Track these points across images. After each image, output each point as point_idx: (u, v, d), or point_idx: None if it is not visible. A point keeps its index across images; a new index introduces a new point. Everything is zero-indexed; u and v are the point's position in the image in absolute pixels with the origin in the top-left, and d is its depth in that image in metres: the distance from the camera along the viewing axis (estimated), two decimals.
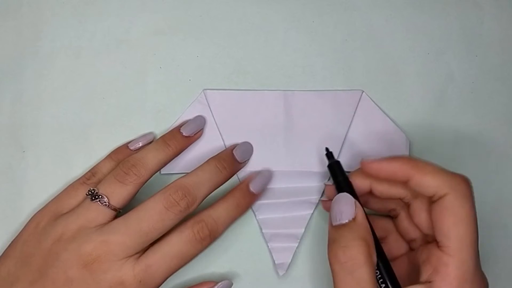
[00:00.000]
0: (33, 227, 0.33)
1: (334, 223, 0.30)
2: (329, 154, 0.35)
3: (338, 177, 0.33)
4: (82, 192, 0.34)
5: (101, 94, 0.37)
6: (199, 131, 0.37)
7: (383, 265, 0.30)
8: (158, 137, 0.36)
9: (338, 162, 0.34)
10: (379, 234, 0.33)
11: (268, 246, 0.37)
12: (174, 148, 0.35)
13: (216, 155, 0.35)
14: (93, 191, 0.33)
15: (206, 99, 0.37)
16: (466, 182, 0.29)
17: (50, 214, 0.33)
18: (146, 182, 0.33)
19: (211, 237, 0.33)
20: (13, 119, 0.37)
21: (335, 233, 0.29)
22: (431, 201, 0.29)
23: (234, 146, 0.36)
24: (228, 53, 0.38)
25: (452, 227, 0.28)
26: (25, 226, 0.33)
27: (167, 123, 0.37)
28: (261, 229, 0.37)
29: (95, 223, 0.32)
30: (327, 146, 0.35)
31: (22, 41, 0.38)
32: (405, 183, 0.30)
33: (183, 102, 0.38)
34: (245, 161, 0.37)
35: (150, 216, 0.31)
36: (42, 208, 0.34)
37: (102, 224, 0.32)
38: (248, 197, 0.35)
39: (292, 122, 0.38)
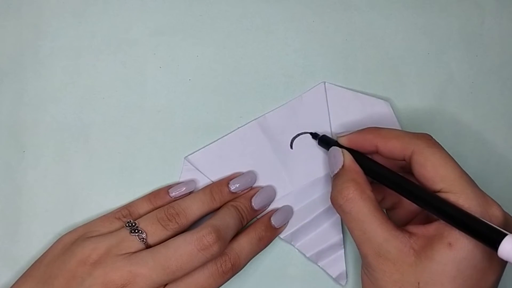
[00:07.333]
0: (60, 247, 0.33)
1: (332, 175, 0.33)
2: (314, 135, 0.37)
3: (330, 143, 0.35)
4: (117, 226, 0.33)
5: (101, 94, 0.37)
6: (246, 189, 0.36)
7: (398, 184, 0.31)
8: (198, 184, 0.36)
9: (323, 135, 0.36)
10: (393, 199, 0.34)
11: (319, 266, 0.37)
12: (219, 203, 0.35)
13: (235, 202, 0.35)
14: (133, 224, 0.32)
15: (191, 164, 0.37)
16: (427, 136, 0.31)
17: (79, 236, 0.33)
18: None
19: (233, 270, 0.33)
20: (13, 119, 0.37)
21: (333, 182, 0.32)
22: (409, 164, 0.31)
23: (253, 194, 0.36)
24: (228, 53, 0.38)
25: (433, 174, 0.29)
26: (51, 247, 0.33)
27: (167, 123, 0.37)
28: (304, 255, 0.37)
29: (124, 251, 0.31)
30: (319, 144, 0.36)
31: (22, 41, 0.38)
32: (376, 152, 0.32)
33: (183, 102, 0.38)
34: (263, 208, 0.36)
35: (180, 256, 0.31)
36: (71, 231, 0.34)
37: (129, 253, 0.31)
38: (270, 231, 0.35)
39: (277, 143, 0.37)
